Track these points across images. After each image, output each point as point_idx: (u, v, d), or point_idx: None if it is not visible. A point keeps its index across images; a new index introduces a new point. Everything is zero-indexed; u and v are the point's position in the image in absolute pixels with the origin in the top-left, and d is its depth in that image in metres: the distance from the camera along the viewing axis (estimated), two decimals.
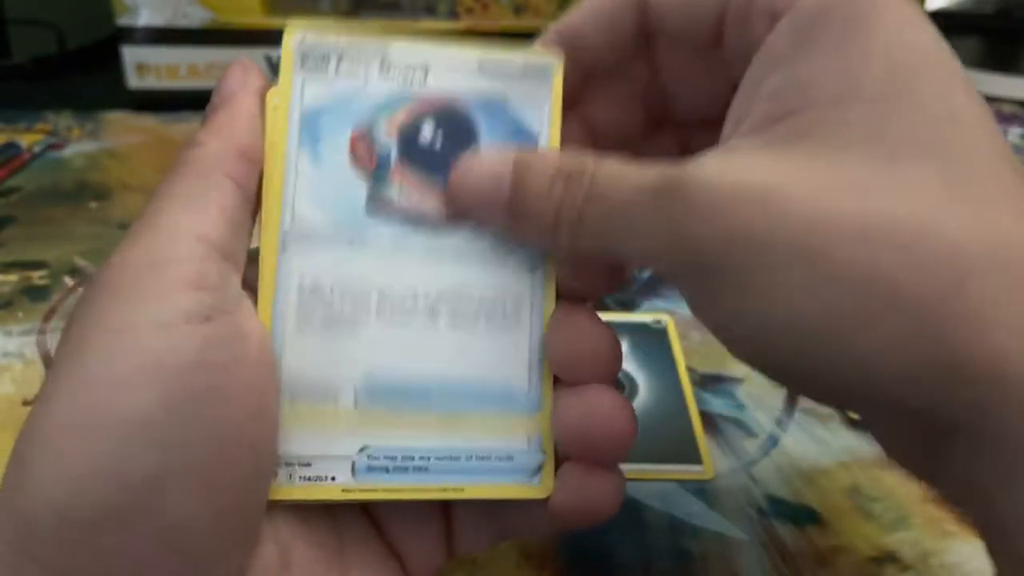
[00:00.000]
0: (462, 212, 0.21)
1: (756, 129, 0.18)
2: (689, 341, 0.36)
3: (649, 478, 0.29)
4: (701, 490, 0.29)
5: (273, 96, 0.20)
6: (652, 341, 0.36)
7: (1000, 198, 0.17)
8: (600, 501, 0.20)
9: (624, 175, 0.19)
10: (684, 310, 0.39)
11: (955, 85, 0.18)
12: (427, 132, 0.21)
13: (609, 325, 0.20)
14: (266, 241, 0.20)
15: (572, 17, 0.22)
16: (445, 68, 0.21)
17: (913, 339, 0.16)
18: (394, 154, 0.21)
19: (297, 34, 0.21)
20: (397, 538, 0.21)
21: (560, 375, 0.20)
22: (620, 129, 0.23)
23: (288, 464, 0.20)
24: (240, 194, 0.19)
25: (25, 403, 0.32)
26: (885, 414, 0.18)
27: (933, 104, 0.18)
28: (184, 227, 0.18)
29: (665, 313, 0.38)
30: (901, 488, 0.29)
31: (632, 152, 0.21)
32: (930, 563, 0.26)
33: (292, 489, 0.20)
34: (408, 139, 0.21)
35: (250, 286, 0.20)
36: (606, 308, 0.39)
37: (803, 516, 0.28)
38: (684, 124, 0.23)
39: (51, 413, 0.16)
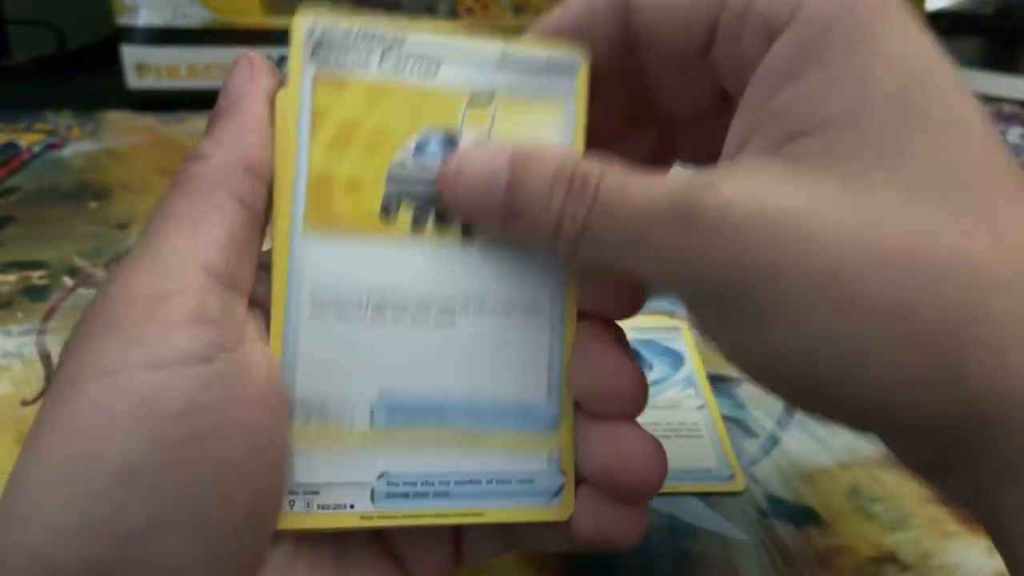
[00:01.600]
0: (457, 209, 0.20)
1: (769, 148, 0.18)
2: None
3: (683, 492, 0.29)
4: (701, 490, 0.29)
5: (284, 99, 0.19)
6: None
7: (1016, 220, 0.17)
8: (621, 532, 0.19)
9: (633, 189, 0.18)
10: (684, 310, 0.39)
11: (960, 98, 0.18)
12: None
13: (634, 357, 0.20)
14: (278, 263, 0.19)
15: (555, 16, 0.21)
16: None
17: (929, 367, 0.16)
18: None
19: (307, 23, 0.19)
20: (403, 549, 0.21)
21: (583, 406, 0.20)
22: (602, 122, 0.22)
23: (305, 492, 0.19)
24: (246, 214, 0.18)
25: (24, 403, 0.32)
26: (897, 434, 0.18)
27: (944, 121, 0.17)
28: (185, 254, 0.17)
29: (672, 318, 0.38)
30: (901, 488, 0.29)
31: (614, 144, 0.21)
32: (930, 563, 0.26)
33: (308, 518, 0.19)
34: None
35: (259, 302, 0.19)
36: None
37: (803, 516, 0.28)
38: (667, 120, 0.23)
39: (37, 462, 0.16)
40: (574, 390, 0.20)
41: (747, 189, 0.17)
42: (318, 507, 0.19)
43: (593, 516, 0.19)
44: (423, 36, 0.20)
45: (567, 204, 0.18)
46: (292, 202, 0.19)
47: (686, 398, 0.33)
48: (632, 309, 0.20)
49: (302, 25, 0.19)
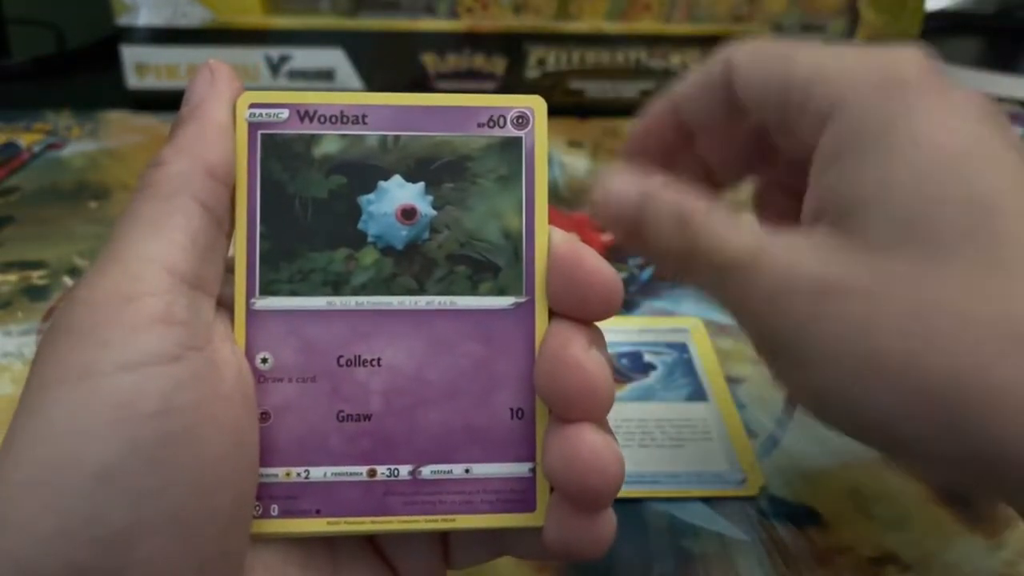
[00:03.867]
0: (603, 221, 0.24)
1: (820, 221, 0.22)
2: None
3: (695, 496, 0.29)
4: None
5: (244, 104, 0.20)
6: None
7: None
8: (584, 542, 0.19)
9: (721, 239, 0.22)
10: (683, 310, 0.39)
11: (987, 169, 0.21)
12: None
13: (606, 358, 0.19)
14: (239, 268, 0.20)
15: (678, 89, 0.27)
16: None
17: (935, 423, 0.19)
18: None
19: (248, 106, 0.20)
20: (392, 552, 0.21)
21: (550, 407, 0.20)
22: (725, 161, 0.27)
23: (271, 497, 0.19)
24: (208, 217, 0.18)
25: None
26: (920, 468, 0.21)
27: (960, 196, 0.20)
28: (149, 258, 0.17)
29: (691, 318, 0.38)
30: (901, 488, 0.29)
31: (737, 169, 0.27)
32: (930, 563, 0.26)
33: (275, 523, 0.19)
34: None
35: (227, 304, 0.19)
36: None
37: (803, 516, 0.28)
38: (773, 160, 0.27)
39: (13, 468, 0.15)
40: (539, 391, 0.20)
41: (794, 257, 0.21)
42: (283, 512, 0.19)
43: (558, 524, 0.19)
44: (371, 100, 0.20)
45: (675, 240, 0.22)
46: (247, 227, 0.20)
47: (692, 397, 0.33)
48: (607, 311, 0.19)
49: (244, 108, 0.20)
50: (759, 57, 0.25)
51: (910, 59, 0.23)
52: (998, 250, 0.20)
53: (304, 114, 0.20)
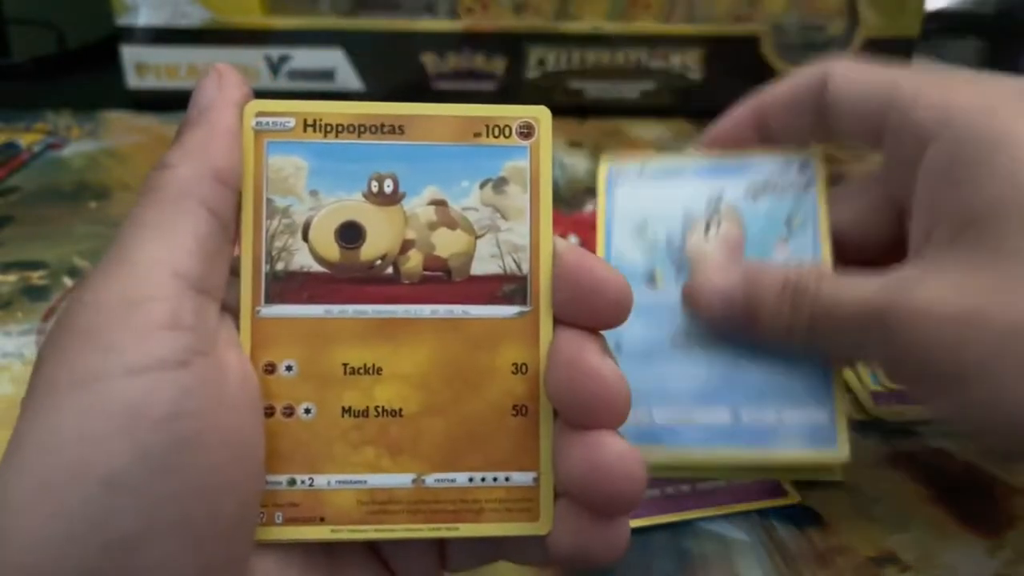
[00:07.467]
0: (705, 321, 0.25)
1: (942, 245, 0.23)
2: None
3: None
4: None
5: (251, 113, 0.20)
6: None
7: None
8: (599, 549, 0.19)
9: (843, 295, 0.23)
10: None
11: None
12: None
13: (616, 366, 0.19)
14: (245, 275, 0.20)
15: (767, 95, 0.27)
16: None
17: None
18: None
19: (255, 115, 0.20)
20: (390, 555, 0.21)
21: (561, 415, 0.19)
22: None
23: (275, 504, 0.19)
24: (215, 222, 0.18)
25: None
26: None
27: None
28: (157, 262, 0.17)
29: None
30: (901, 488, 0.29)
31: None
32: (930, 563, 0.26)
33: (279, 529, 0.19)
34: None
35: (231, 308, 0.19)
36: None
37: (803, 516, 0.28)
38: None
39: (21, 473, 0.15)
40: (552, 400, 0.19)
41: (931, 297, 0.22)
42: (287, 520, 0.19)
43: (570, 531, 0.19)
44: (376, 110, 0.20)
45: (794, 313, 0.23)
46: (258, 236, 0.20)
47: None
48: (618, 319, 0.19)
49: (252, 113, 0.20)
50: (859, 75, 0.25)
51: (1009, 86, 0.24)
52: None
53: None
